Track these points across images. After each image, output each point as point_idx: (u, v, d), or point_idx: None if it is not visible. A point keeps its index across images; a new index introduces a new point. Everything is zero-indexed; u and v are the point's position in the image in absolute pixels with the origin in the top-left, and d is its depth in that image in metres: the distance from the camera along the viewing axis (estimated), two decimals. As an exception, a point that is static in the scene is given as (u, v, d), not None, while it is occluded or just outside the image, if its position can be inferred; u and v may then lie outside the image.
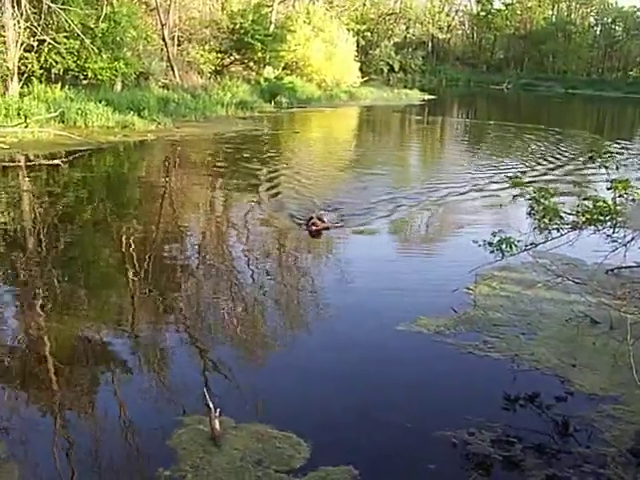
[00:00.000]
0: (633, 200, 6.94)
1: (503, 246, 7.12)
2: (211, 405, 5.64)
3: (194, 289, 9.06)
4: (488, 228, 8.92)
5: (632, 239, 7.43)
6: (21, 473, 4.94)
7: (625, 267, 9.80)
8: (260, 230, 12.21)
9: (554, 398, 6.34)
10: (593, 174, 16.27)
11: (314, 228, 11.33)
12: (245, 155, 20.45)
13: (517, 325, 7.86)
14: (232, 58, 39.09)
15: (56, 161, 17.33)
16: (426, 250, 11.53)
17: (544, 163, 20.94)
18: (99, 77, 26.47)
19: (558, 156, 22.73)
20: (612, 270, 9.80)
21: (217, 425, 5.45)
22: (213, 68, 36.46)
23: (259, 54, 38.63)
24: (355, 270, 9.81)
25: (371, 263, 10.39)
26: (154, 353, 7.11)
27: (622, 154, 18.96)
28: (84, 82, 26.65)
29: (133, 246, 10.66)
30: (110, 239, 11.33)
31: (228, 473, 4.99)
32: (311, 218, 11.62)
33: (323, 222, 11.54)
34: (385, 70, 67.24)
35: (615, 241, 7.37)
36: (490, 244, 7.15)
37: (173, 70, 32.75)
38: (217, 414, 5.55)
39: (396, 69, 69.16)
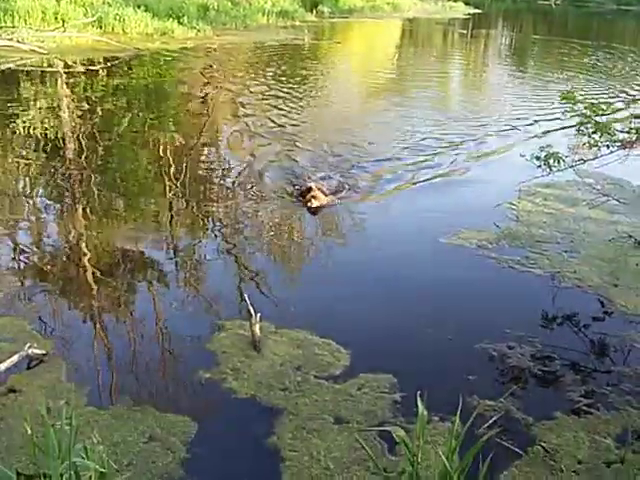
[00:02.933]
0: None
1: (551, 161, 6.96)
2: (252, 310, 5.69)
3: (232, 199, 9.04)
4: (535, 145, 8.67)
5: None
6: (67, 368, 5.08)
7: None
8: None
9: (594, 317, 6.28)
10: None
11: (315, 204, 8.53)
12: (282, 68, 20.02)
13: (560, 242, 7.75)
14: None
15: (95, 67, 17.20)
16: (472, 166, 11.13)
17: (594, 78, 20.24)
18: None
19: (606, 71, 21.95)
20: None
21: (257, 330, 5.51)
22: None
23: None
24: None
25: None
26: (193, 262, 7.17)
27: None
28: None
29: (171, 155, 10.64)
30: (148, 147, 11.28)
31: (268, 377, 5.06)
32: (310, 189, 8.71)
33: (325, 195, 8.78)
34: (430, -19, 64.86)
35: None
36: (537, 158, 6.99)
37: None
38: (258, 319, 5.60)
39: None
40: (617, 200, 8.10)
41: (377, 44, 31.97)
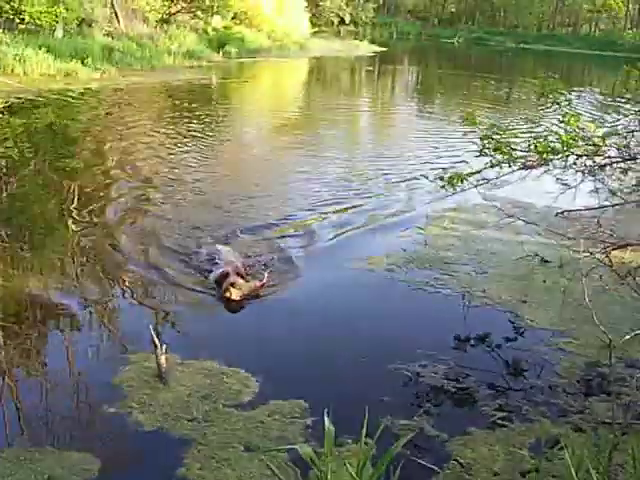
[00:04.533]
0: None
1: (454, 181, 7.01)
2: (156, 341, 5.45)
3: (136, 242, 8.62)
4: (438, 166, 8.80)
5: (581, 182, 7.42)
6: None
7: (574, 210, 9.84)
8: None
9: (505, 333, 6.33)
10: (545, 115, 16.39)
11: (234, 294, 6.62)
12: (187, 105, 19.81)
13: (468, 263, 7.84)
14: (179, 6, 37.85)
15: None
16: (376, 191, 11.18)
17: (495, 105, 20.96)
18: (37, 22, 25.24)
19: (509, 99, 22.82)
20: (562, 212, 9.83)
21: (163, 361, 5.28)
22: (159, 16, 35.29)
23: (207, 2, 37.51)
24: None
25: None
26: (99, 307, 6.77)
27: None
28: (21, 27, 25.30)
29: (76, 198, 10.22)
30: (52, 189, 10.80)
31: (175, 408, 4.84)
32: (227, 275, 6.82)
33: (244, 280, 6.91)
34: (335, 22, 66.46)
35: (565, 184, 7.35)
36: (441, 179, 7.04)
37: (117, 17, 31.55)
38: (163, 350, 5.37)
39: (347, 21, 68.45)
40: (523, 220, 8.24)
41: (285, 82, 32.28)
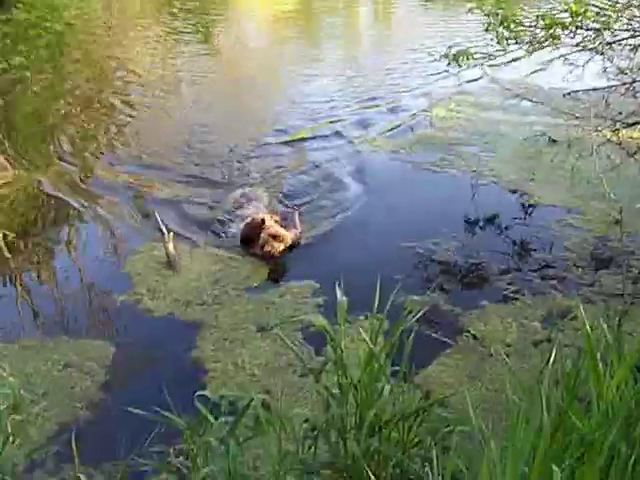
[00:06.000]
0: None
1: (460, 58, 6.77)
2: (164, 229, 5.38)
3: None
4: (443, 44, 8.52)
5: (589, 60, 7.18)
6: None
7: (583, 90, 9.59)
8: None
9: (514, 211, 6.27)
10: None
11: (276, 249, 5.36)
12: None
13: (475, 144, 7.69)
14: None
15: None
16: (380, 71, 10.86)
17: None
18: None
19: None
20: (569, 93, 9.59)
21: (172, 249, 5.23)
22: None
23: None
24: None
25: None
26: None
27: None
28: None
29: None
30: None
31: (184, 294, 4.83)
32: (261, 223, 5.38)
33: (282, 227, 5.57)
34: None
35: (572, 64, 7.10)
36: (446, 56, 6.80)
37: None
38: (171, 237, 5.31)
39: None
40: (530, 100, 8.05)
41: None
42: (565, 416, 2.48)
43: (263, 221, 5.31)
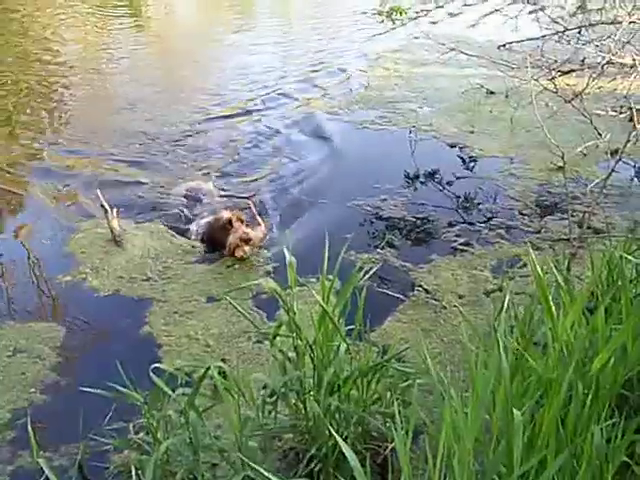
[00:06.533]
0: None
1: (393, 15, 6.75)
2: (106, 205, 5.21)
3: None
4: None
5: (521, 11, 7.19)
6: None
7: (517, 42, 9.63)
8: None
9: (456, 163, 6.29)
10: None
11: (247, 252, 4.89)
12: None
13: (413, 100, 7.69)
14: None
15: None
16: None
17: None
18: None
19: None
20: (504, 45, 9.63)
21: (116, 225, 5.08)
22: None
23: None
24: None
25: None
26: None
27: None
28: None
29: None
30: None
31: (129, 270, 4.69)
32: (227, 224, 4.96)
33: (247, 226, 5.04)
34: None
35: (505, 15, 7.11)
36: (380, 13, 6.76)
37: None
38: (115, 214, 5.15)
39: None
40: (465, 54, 8.03)
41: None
42: (522, 360, 2.49)
43: (230, 223, 4.96)
